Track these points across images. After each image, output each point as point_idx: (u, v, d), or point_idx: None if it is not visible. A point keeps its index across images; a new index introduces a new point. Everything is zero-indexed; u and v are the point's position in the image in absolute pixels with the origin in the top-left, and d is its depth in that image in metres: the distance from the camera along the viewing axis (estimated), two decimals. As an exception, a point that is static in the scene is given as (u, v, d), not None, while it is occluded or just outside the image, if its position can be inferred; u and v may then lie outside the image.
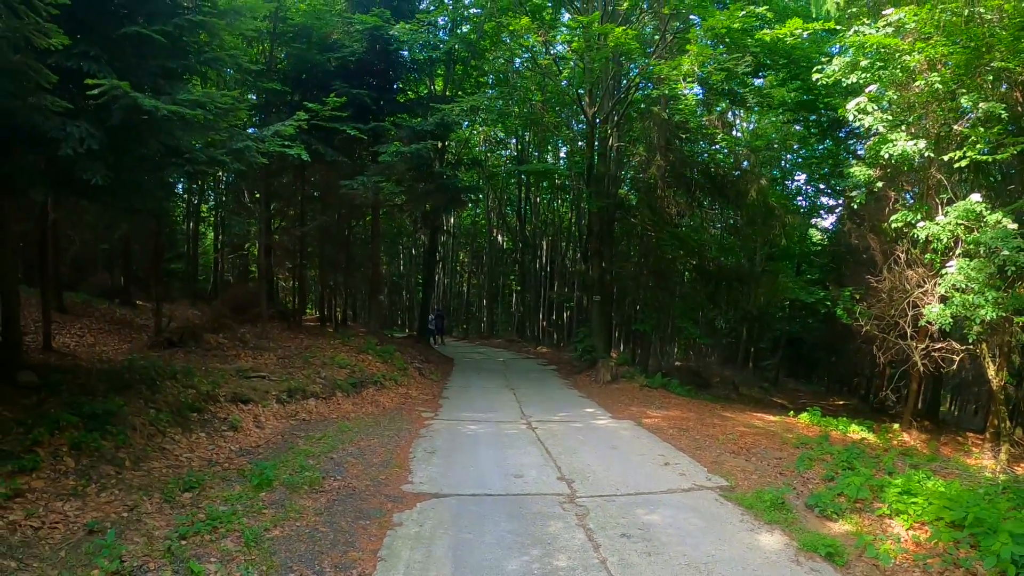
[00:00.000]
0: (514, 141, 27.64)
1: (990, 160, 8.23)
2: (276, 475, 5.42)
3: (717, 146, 16.09)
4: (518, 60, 17.27)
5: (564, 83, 16.04)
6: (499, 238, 32.64)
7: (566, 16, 16.54)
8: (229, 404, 7.50)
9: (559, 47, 15.58)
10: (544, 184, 27.17)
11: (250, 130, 11.33)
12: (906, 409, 11.36)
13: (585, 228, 20.11)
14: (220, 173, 15.47)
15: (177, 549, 3.82)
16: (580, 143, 19.63)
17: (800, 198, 20.57)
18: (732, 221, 17.80)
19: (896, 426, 10.89)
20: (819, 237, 22.13)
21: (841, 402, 17.83)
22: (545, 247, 30.13)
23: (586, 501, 5.43)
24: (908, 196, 10.21)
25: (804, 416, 10.52)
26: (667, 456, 7.22)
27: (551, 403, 11.04)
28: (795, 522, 5.06)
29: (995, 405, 9.68)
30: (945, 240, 8.10)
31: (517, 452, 7.18)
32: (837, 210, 19.68)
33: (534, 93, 18.58)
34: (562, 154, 26.89)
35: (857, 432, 9.71)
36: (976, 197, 8.06)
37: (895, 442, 9.78)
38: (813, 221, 21.22)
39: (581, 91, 16.00)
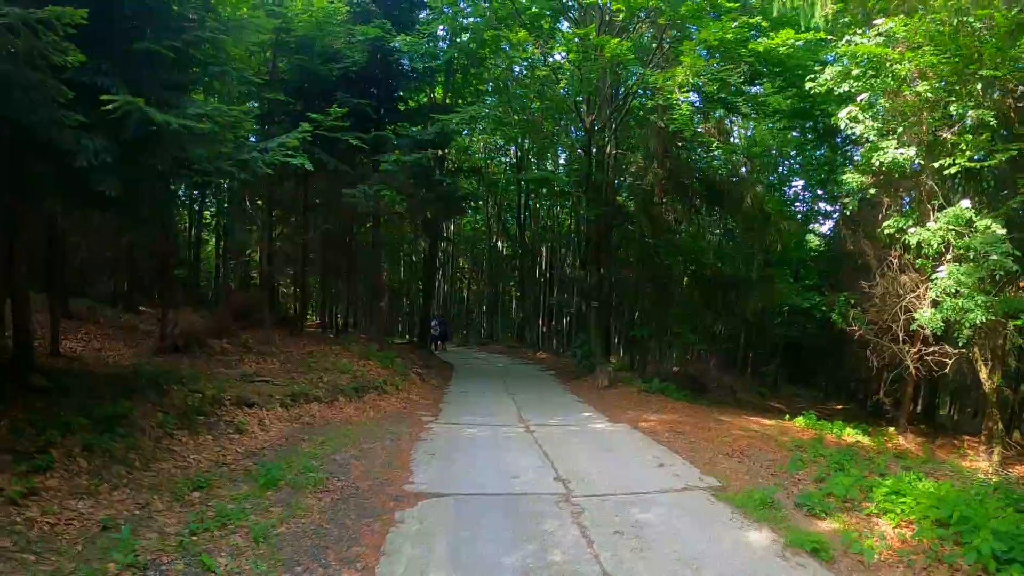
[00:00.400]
0: (513, 149, 27.79)
1: (979, 167, 8.42)
2: (282, 475, 5.58)
3: (714, 153, 16.30)
4: (517, 67, 17.46)
5: (562, 92, 16.21)
6: (499, 245, 32.80)
7: (564, 25, 16.72)
8: (234, 408, 7.65)
9: (557, 56, 15.76)
10: (543, 191, 27.23)
11: (252, 139, 11.52)
12: (901, 412, 11.49)
13: (584, 235, 20.27)
14: (224, 182, 15.64)
15: (189, 544, 3.98)
16: (579, 150, 19.78)
17: (798, 204, 20.79)
18: (729, 228, 17.97)
19: (892, 429, 11.02)
20: (816, 243, 22.26)
21: (839, 406, 17.92)
22: (545, 253, 30.28)
23: (581, 500, 5.57)
24: (906, 201, 10.34)
25: (800, 420, 10.64)
26: (662, 458, 7.37)
27: (549, 407, 11.17)
28: (784, 520, 5.19)
29: (989, 408, 9.82)
30: (936, 245, 8.27)
31: (515, 454, 7.33)
32: (834, 216, 19.88)
33: (533, 101, 18.74)
34: (561, 161, 27.04)
35: (852, 435, 9.81)
36: (965, 203, 8.23)
37: (890, 445, 9.89)
38: (811, 227, 21.38)
39: (579, 99, 16.17)
